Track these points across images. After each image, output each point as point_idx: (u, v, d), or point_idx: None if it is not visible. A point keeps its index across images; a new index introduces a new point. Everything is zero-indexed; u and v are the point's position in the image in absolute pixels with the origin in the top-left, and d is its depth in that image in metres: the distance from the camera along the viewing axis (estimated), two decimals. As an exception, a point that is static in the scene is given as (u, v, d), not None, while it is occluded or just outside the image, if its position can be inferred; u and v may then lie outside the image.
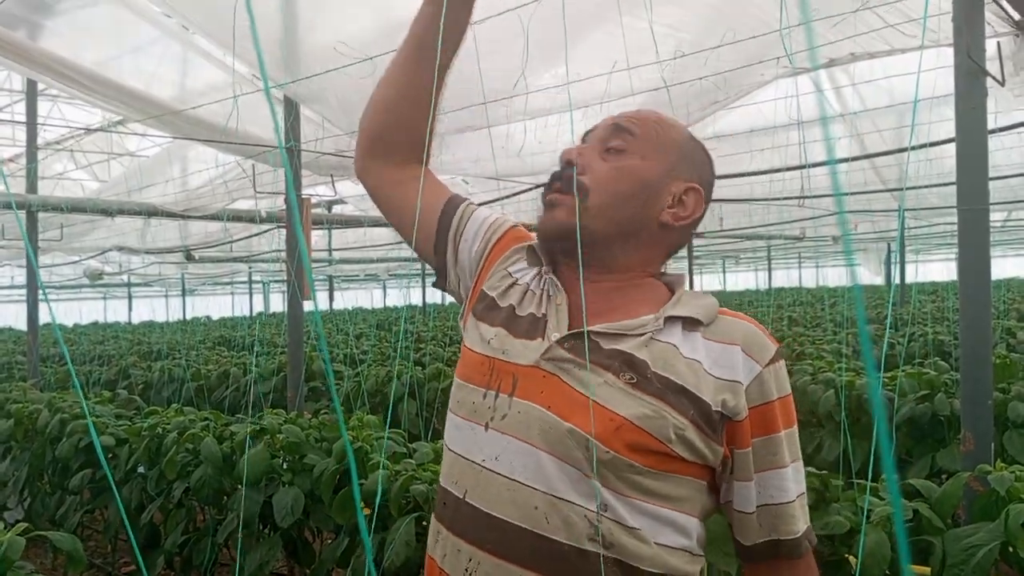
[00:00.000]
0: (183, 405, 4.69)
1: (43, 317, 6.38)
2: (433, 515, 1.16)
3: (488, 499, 1.06)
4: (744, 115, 7.30)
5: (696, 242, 14.04)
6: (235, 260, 14.01)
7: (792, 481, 1.10)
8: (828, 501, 2.20)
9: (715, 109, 3.35)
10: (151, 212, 6.36)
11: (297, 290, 4.42)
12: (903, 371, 4.23)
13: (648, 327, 1.09)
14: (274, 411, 3.63)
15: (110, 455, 3.87)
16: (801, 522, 1.11)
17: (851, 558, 2.08)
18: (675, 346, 1.08)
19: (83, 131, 7.01)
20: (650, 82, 3.25)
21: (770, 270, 20.80)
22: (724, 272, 29.48)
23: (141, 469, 3.74)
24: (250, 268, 17.14)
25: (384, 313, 20.07)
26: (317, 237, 12.24)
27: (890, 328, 8.37)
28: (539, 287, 1.20)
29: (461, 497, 1.10)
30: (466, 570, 1.07)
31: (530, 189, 5.41)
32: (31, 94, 5.91)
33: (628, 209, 1.14)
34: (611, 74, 3.10)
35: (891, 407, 3.93)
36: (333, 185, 4.54)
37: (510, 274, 1.23)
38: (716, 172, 1.26)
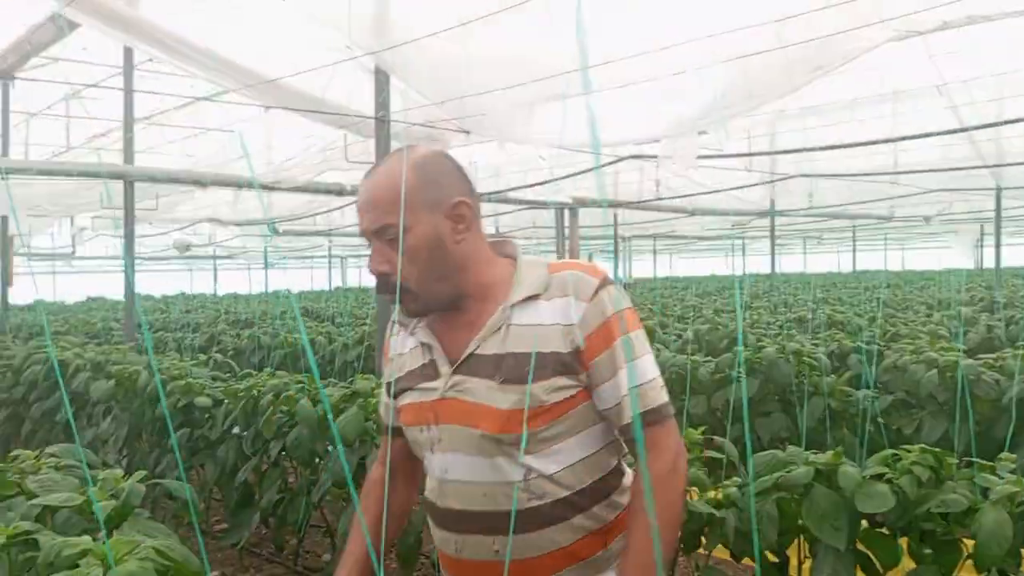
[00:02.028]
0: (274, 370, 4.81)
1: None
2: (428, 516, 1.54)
3: (453, 500, 1.45)
4: (829, 88, 7.03)
5: (778, 221, 13.68)
6: (317, 234, 14.29)
7: (640, 370, 1.41)
8: (942, 479, 2.11)
9: (818, 75, 3.22)
10: (242, 184, 6.50)
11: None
12: (1010, 352, 4.03)
13: (500, 322, 1.42)
14: (365, 376, 3.68)
15: (207, 415, 4.01)
16: (658, 397, 1.42)
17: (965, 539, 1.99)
18: (524, 324, 1.41)
19: (186, 100, 7.19)
20: (750, 48, 3.15)
21: (855, 251, 20.14)
22: (805, 253, 28.69)
23: (236, 430, 3.86)
24: (330, 242, 17.47)
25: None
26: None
27: (986, 312, 8.00)
28: (415, 343, 1.52)
29: (436, 503, 1.48)
30: (456, 549, 1.47)
31: (614, 162, 5.33)
32: (128, 64, 6.10)
33: (437, 268, 1.42)
34: (712, 37, 3.01)
35: (998, 388, 3.76)
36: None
37: (393, 358, 1.58)
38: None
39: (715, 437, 2.69)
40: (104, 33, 4.18)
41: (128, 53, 6.00)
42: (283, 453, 3.51)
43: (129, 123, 6.12)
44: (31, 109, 11.85)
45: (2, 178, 7.03)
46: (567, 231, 9.23)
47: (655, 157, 4.79)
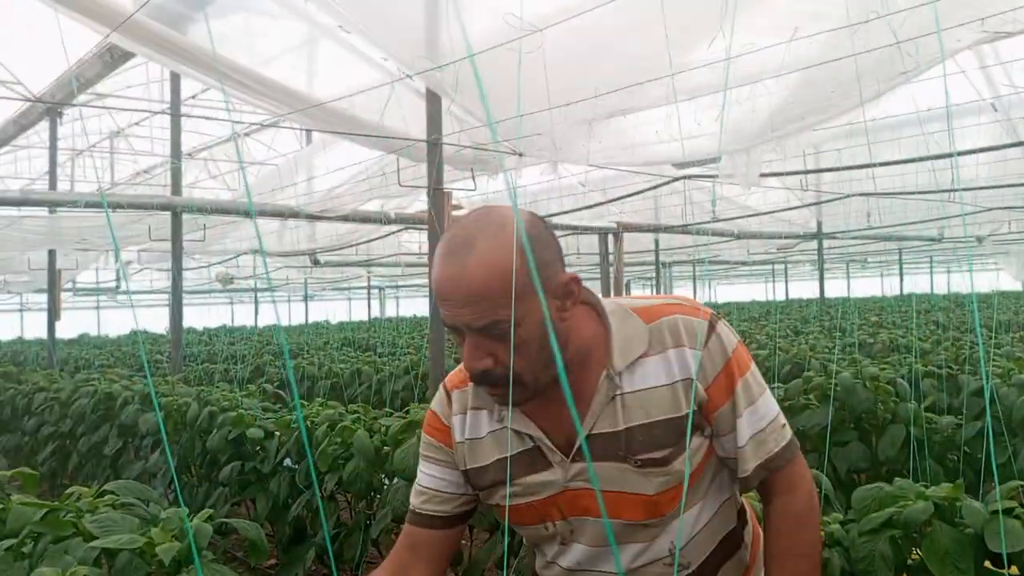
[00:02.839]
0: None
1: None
2: None
3: None
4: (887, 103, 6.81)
5: (824, 244, 13.36)
6: (357, 264, 14.30)
7: (760, 413, 1.28)
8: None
9: (900, 81, 3.04)
10: (288, 214, 6.46)
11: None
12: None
13: (610, 394, 1.25)
14: (420, 406, 3.54)
15: (258, 448, 3.89)
16: (780, 438, 1.29)
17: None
18: (638, 391, 1.25)
19: (225, 138, 7.21)
20: (823, 53, 2.99)
21: (901, 274, 19.66)
22: (849, 277, 28.14)
23: (287, 462, 3.73)
24: (369, 273, 17.49)
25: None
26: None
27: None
28: (496, 427, 1.33)
29: None
30: None
31: (669, 181, 5.17)
32: (175, 91, 6.11)
33: (548, 354, 1.21)
34: (788, 43, 2.85)
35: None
36: (474, 179, 4.44)
37: (462, 443, 1.38)
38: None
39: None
40: (153, 59, 4.15)
41: (175, 83, 6.01)
42: (338, 487, 3.37)
43: (177, 152, 6.12)
44: (77, 146, 12.08)
45: (50, 211, 7.08)
46: (611, 257, 9.08)
47: (714, 177, 4.63)
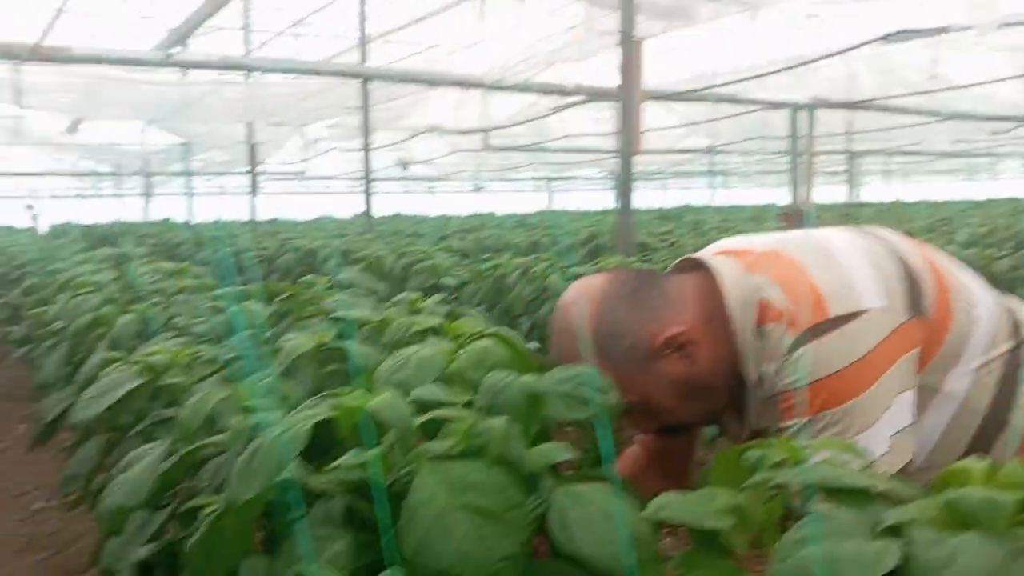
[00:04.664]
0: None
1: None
2: None
3: None
4: None
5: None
6: (533, 149, 14.20)
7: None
8: None
9: None
10: (470, 83, 6.43)
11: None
12: None
13: (758, 397, 1.24)
14: (610, 256, 3.49)
15: (452, 296, 4.00)
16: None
17: None
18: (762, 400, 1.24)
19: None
20: None
21: None
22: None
23: (480, 308, 3.82)
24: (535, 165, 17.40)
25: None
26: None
27: None
28: None
29: None
30: None
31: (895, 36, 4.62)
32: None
33: (694, 398, 1.24)
34: None
35: None
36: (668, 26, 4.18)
37: None
38: None
39: None
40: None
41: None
42: (534, 331, 3.41)
43: (363, 21, 6.19)
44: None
45: (245, 76, 7.38)
46: (800, 143, 8.41)
47: (943, 31, 4.08)
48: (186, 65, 5.53)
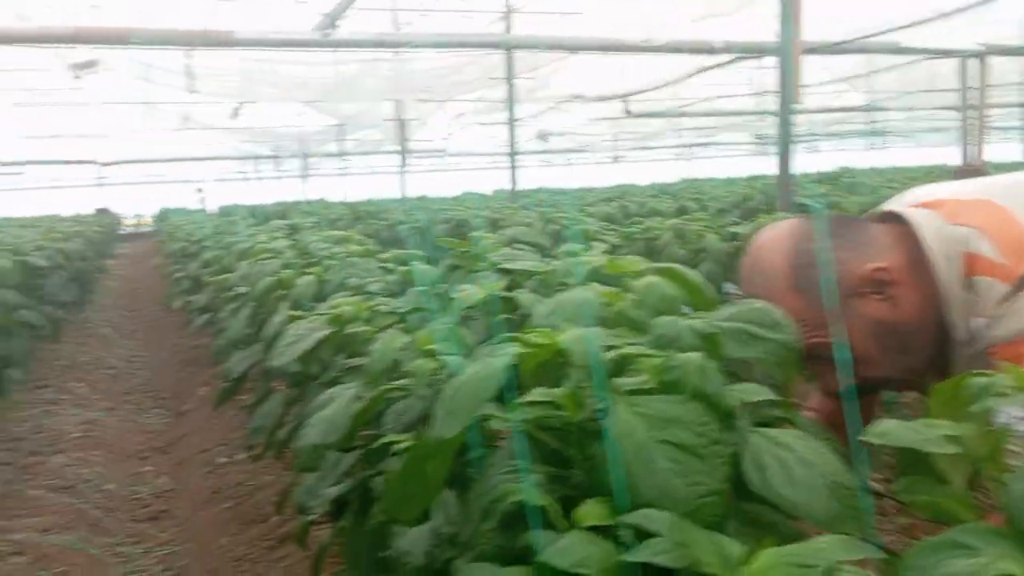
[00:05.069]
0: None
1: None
2: None
3: None
4: None
5: None
6: (669, 115, 13.88)
7: None
8: None
9: None
10: (615, 47, 6.33)
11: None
12: None
13: (963, 353, 1.17)
14: (770, 216, 3.36)
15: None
16: None
17: None
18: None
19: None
20: None
21: None
22: None
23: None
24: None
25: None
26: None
27: None
28: None
29: None
30: None
31: None
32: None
33: (895, 346, 1.18)
34: None
35: None
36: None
37: None
38: None
39: None
40: None
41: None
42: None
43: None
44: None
45: (394, 53, 7.58)
46: (971, 95, 7.74)
47: None
48: (343, 45, 5.74)
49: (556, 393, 0.91)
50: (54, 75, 11.16)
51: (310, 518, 1.71)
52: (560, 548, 0.70)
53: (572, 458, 0.84)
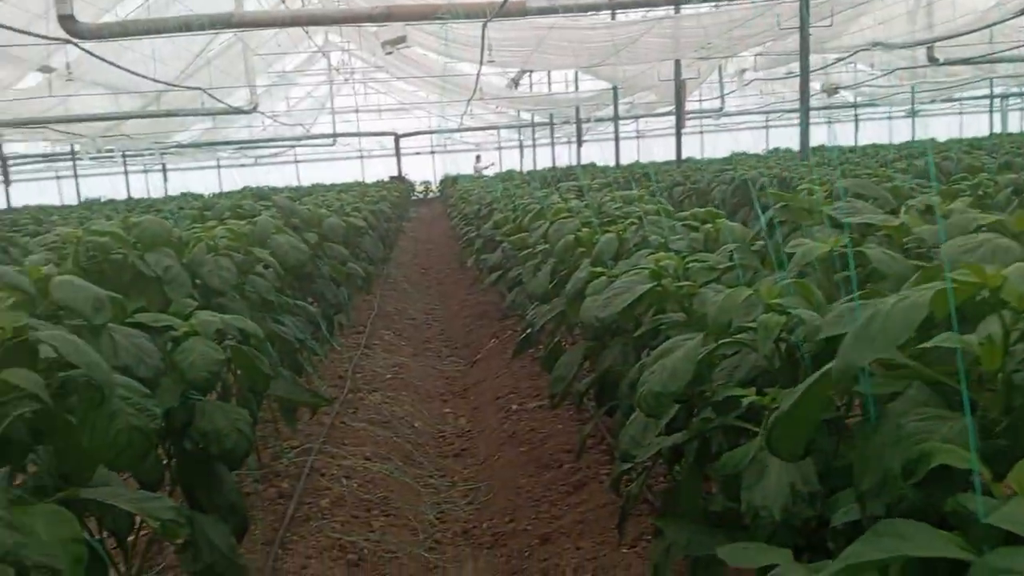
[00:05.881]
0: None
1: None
2: None
3: None
4: None
5: None
6: (979, 61, 12.26)
7: None
8: None
9: None
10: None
11: None
12: None
13: None
14: None
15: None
16: None
17: None
18: None
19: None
20: None
21: None
22: None
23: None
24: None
25: None
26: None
27: None
28: None
29: None
30: None
31: None
32: None
33: None
34: None
35: None
36: None
37: None
38: None
39: None
40: None
41: None
42: None
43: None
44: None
45: (674, 11, 7.42)
46: None
47: None
48: (630, 6, 5.72)
49: (970, 340, 0.84)
50: (363, 54, 12.32)
51: (625, 467, 1.76)
52: (1006, 513, 0.65)
53: (987, 410, 0.78)
